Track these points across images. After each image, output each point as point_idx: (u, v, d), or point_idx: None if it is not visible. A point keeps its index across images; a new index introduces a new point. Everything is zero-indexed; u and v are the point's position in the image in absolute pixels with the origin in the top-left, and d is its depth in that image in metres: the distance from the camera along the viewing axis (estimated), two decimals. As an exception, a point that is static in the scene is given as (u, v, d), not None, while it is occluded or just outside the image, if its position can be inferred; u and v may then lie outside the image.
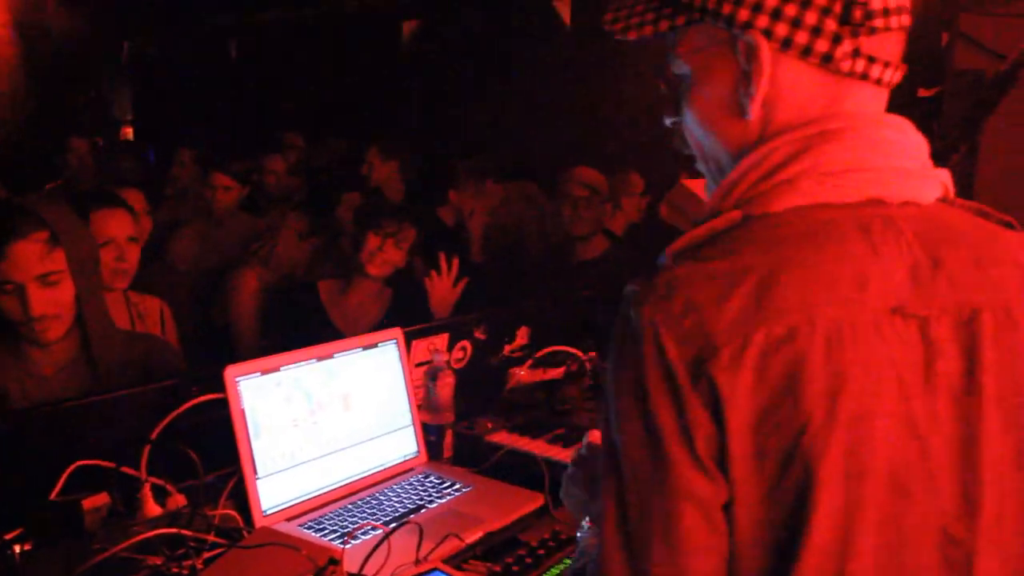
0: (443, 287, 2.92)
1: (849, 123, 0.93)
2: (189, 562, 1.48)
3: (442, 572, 1.51)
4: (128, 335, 2.15)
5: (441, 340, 2.32)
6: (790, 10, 0.90)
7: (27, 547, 1.46)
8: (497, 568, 1.55)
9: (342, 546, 1.59)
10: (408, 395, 2.04)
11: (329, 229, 3.64)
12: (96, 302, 1.97)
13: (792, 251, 0.88)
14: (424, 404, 2.10)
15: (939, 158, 2.76)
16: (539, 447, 2.07)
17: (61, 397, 1.90)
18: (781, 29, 0.91)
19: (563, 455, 2.03)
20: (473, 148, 4.69)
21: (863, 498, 0.85)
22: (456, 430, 2.13)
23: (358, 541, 1.61)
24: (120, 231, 2.42)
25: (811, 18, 0.90)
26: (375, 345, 2.00)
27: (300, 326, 2.84)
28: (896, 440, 0.86)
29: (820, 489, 0.83)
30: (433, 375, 2.10)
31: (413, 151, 4.60)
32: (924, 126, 2.78)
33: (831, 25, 0.90)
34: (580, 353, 2.48)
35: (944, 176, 0.99)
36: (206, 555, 1.52)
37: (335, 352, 1.91)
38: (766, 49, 0.92)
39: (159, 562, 1.49)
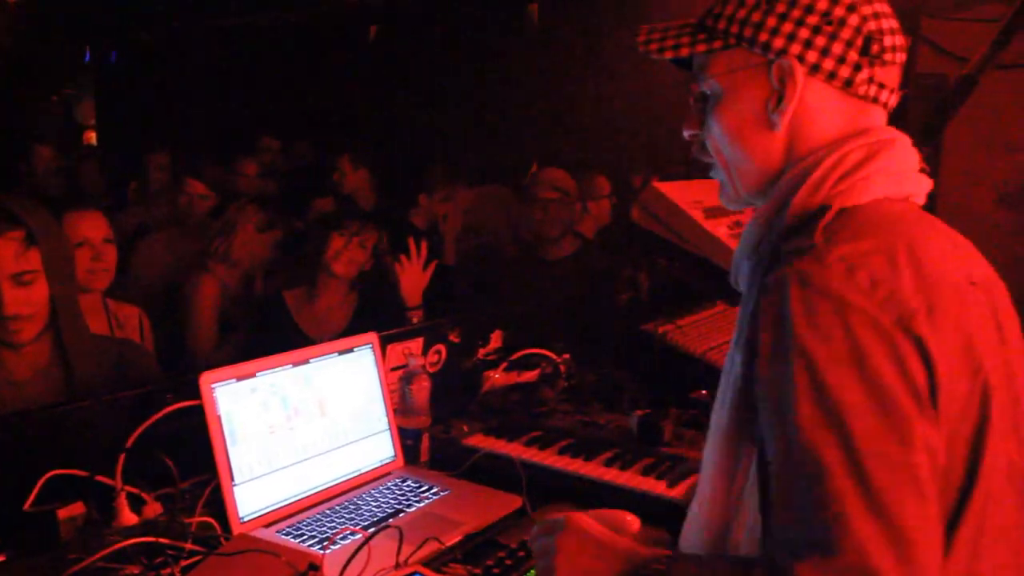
0: (414, 271, 2.94)
1: (896, 135, 1.15)
2: (168, 570, 1.47)
3: (422, 575, 1.51)
4: (102, 339, 2.14)
5: (416, 344, 2.32)
6: (820, 41, 1.10)
7: (1, 559, 1.44)
8: (477, 571, 1.55)
9: (322, 552, 1.59)
10: (384, 399, 2.04)
11: (289, 225, 3.60)
12: (70, 304, 1.95)
13: (905, 232, 1.06)
14: (400, 408, 2.10)
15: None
16: (516, 449, 2.08)
17: (35, 403, 1.88)
18: (812, 56, 1.10)
19: (539, 457, 2.04)
20: (444, 151, 4.69)
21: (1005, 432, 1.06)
22: (432, 434, 2.13)
23: (337, 546, 1.60)
24: (94, 232, 2.40)
25: (837, 48, 1.10)
26: (351, 350, 1.99)
27: (269, 335, 2.83)
28: (1001, 384, 1.07)
29: (991, 426, 1.03)
30: (409, 379, 2.10)
31: (384, 156, 4.60)
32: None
33: (853, 56, 1.10)
34: (554, 355, 2.49)
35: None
36: (183, 563, 1.52)
37: (311, 357, 1.90)
38: (799, 71, 1.11)
39: (137, 571, 1.48)
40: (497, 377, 2.45)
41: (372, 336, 2.05)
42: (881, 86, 1.12)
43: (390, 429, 2.04)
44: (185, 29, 7.26)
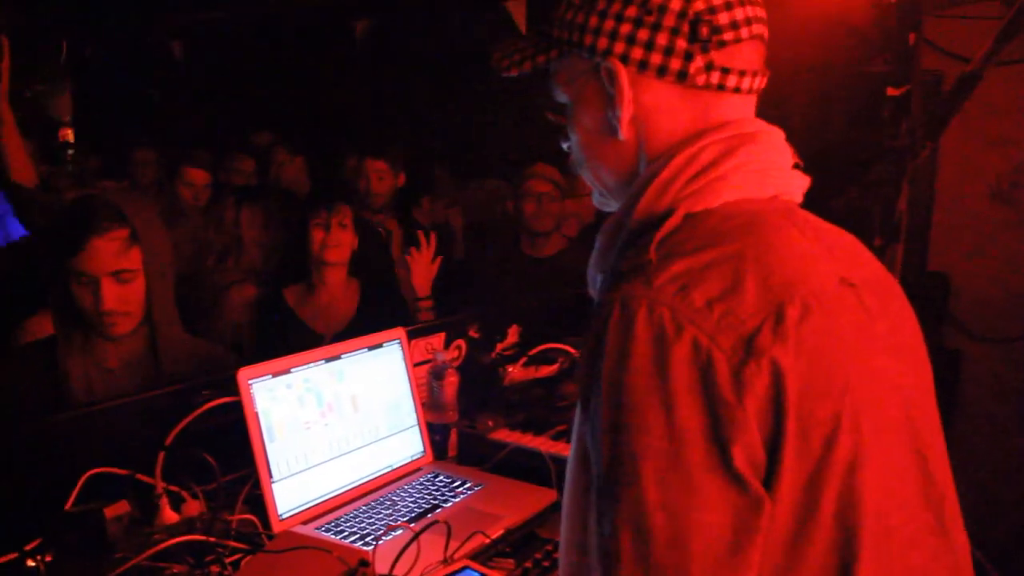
0: (423, 262, 2.99)
1: (761, 128, 1.03)
2: (217, 569, 1.45)
3: (473, 570, 1.51)
4: (194, 341, 2.15)
5: (438, 339, 2.31)
6: (642, 35, 0.98)
7: (47, 558, 1.42)
8: (528, 563, 1.55)
9: (367, 547, 1.58)
10: (413, 395, 2.03)
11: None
12: (166, 303, 2.01)
13: (757, 237, 0.94)
14: (428, 403, 2.09)
15: (908, 155, 2.84)
16: (544, 444, 2.08)
17: (123, 391, 1.94)
18: (636, 53, 0.99)
19: (567, 451, 2.05)
20: (446, 149, 4.67)
21: (881, 450, 0.91)
22: (459, 429, 2.13)
23: (379, 542, 1.60)
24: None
25: (662, 39, 0.98)
26: (380, 345, 1.99)
27: (276, 335, 2.81)
28: (879, 395, 0.94)
29: (867, 450, 0.88)
30: (437, 374, 2.09)
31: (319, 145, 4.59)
32: (894, 124, 2.87)
33: (681, 44, 0.98)
34: (572, 350, 2.50)
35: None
36: (228, 561, 1.50)
37: (342, 352, 1.89)
38: (623, 73, 1.00)
39: (183, 570, 1.47)
40: (515, 372, 2.46)
41: (400, 331, 2.04)
42: (725, 70, 0.99)
43: (419, 424, 2.03)
44: (166, 24, 7.17)
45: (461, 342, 2.39)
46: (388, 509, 1.79)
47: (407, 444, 2.00)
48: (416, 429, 2.03)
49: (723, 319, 0.85)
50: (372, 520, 1.74)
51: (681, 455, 0.82)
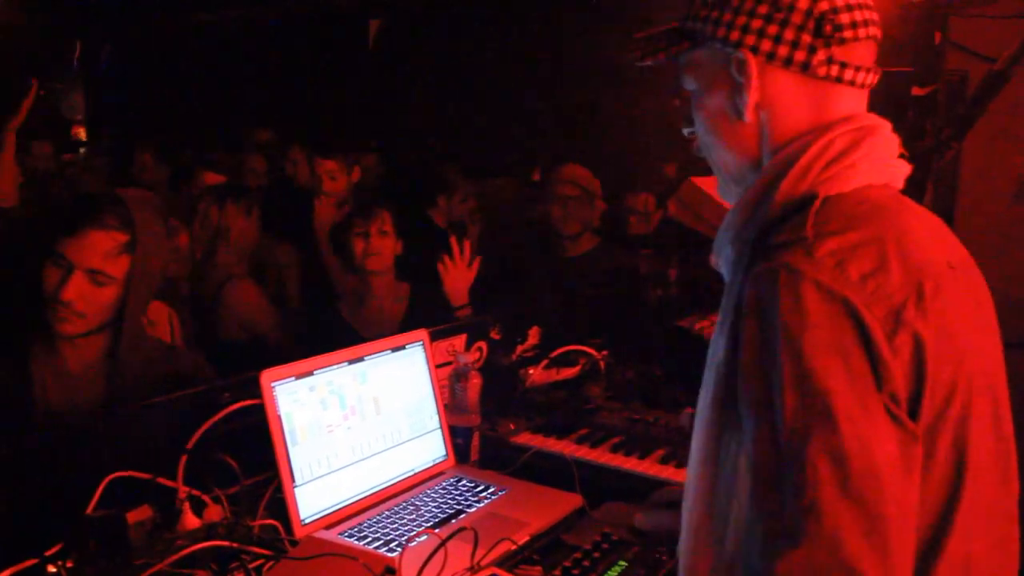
0: (458, 271, 2.90)
1: (878, 121, 1.16)
2: (241, 575, 1.43)
3: (500, 577, 1.48)
4: (157, 346, 2.08)
5: (459, 341, 2.29)
6: (772, 29, 1.12)
7: (69, 564, 1.40)
8: (556, 572, 1.52)
9: (391, 554, 1.55)
10: (435, 397, 2.00)
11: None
12: (135, 316, 1.93)
13: (890, 222, 1.08)
14: (451, 406, 2.06)
15: (934, 155, 2.79)
16: (567, 447, 2.06)
17: (81, 398, 1.87)
18: (765, 45, 1.12)
19: (592, 455, 2.02)
20: (457, 148, 4.64)
21: (978, 410, 1.08)
22: (481, 432, 2.09)
23: (402, 549, 1.57)
24: None
25: (789, 34, 1.11)
26: (403, 347, 1.96)
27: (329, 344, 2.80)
28: (981, 371, 1.10)
29: (971, 410, 1.05)
30: (459, 377, 2.06)
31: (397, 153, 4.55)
32: (919, 124, 2.82)
33: (806, 39, 1.11)
34: (594, 352, 2.47)
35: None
36: (251, 566, 1.47)
37: (365, 355, 1.86)
38: (753, 62, 1.13)
39: (206, 575, 1.44)
40: (535, 374, 2.42)
41: (423, 333, 2.02)
42: (843, 65, 1.12)
43: (441, 428, 2.00)
44: (180, 23, 7.16)
45: (482, 344, 2.37)
46: (411, 514, 1.76)
47: (429, 447, 1.97)
48: (438, 432, 2.00)
49: (875, 292, 0.99)
50: (396, 525, 1.71)
51: (861, 397, 0.96)
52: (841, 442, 0.94)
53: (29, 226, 2.97)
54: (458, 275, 2.88)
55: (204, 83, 7.32)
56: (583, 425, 2.18)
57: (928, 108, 2.79)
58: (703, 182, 2.57)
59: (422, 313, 2.80)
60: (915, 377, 0.99)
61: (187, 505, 1.57)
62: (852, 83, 1.14)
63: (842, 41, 1.11)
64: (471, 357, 2.15)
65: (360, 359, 1.85)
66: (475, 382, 2.07)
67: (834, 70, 1.12)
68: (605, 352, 2.47)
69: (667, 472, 1.92)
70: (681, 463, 1.96)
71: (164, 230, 2.01)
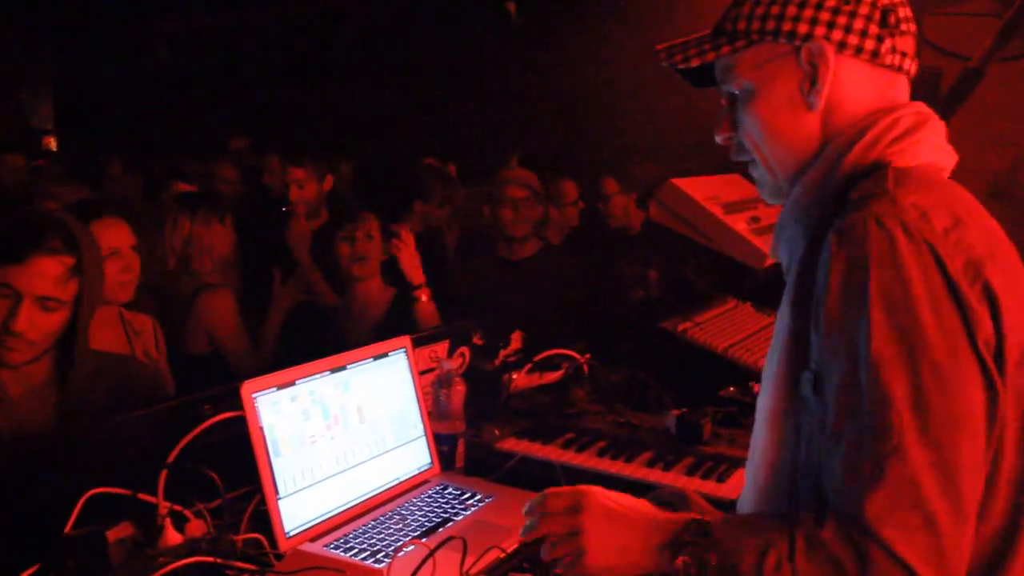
0: (409, 250, 2.90)
1: (931, 110, 1.21)
2: (226, 591, 1.40)
3: (490, 586, 1.46)
4: (102, 356, 2.01)
5: (442, 347, 2.26)
6: (841, 20, 1.15)
7: (47, 585, 1.36)
8: (547, 579, 1.50)
9: (378, 565, 1.53)
10: (419, 405, 1.98)
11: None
12: (82, 330, 1.86)
13: (960, 194, 1.13)
14: (435, 413, 2.04)
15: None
16: (553, 452, 2.04)
17: (27, 421, 1.81)
18: (837, 34, 1.16)
19: (578, 460, 2.00)
20: (432, 152, 4.62)
21: None
22: (466, 438, 2.07)
23: (389, 560, 1.55)
24: (123, 240, 2.32)
25: (859, 24, 1.15)
26: (386, 354, 1.93)
27: (317, 347, 2.78)
28: None
29: None
30: (443, 383, 2.04)
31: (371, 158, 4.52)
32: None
33: (874, 28, 1.16)
34: (577, 356, 2.45)
35: None
36: (236, 582, 1.45)
37: (347, 363, 1.84)
38: (830, 50, 1.16)
39: (190, 593, 1.41)
40: (519, 379, 2.41)
41: (405, 340, 1.99)
42: (904, 55, 1.18)
43: (426, 435, 1.98)
44: (151, 31, 7.09)
45: (464, 349, 2.34)
46: (398, 524, 1.73)
47: (414, 455, 1.94)
48: (423, 440, 1.97)
49: (957, 244, 1.02)
50: (382, 535, 1.68)
51: (950, 345, 0.98)
52: (924, 388, 0.97)
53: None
54: (410, 254, 2.88)
55: (175, 91, 7.24)
56: (568, 429, 2.16)
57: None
58: (684, 183, 2.56)
59: (398, 320, 2.80)
60: (995, 334, 1.02)
61: (168, 521, 1.53)
62: (908, 72, 1.20)
63: (902, 32, 1.17)
64: (454, 363, 2.13)
65: (342, 367, 1.82)
66: (459, 388, 2.05)
67: (897, 59, 1.17)
68: (588, 356, 2.46)
69: (654, 475, 1.91)
70: (668, 466, 1.95)
71: (98, 249, 1.93)
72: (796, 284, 1.14)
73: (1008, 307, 1.03)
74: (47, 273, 1.74)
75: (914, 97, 1.23)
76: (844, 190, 1.13)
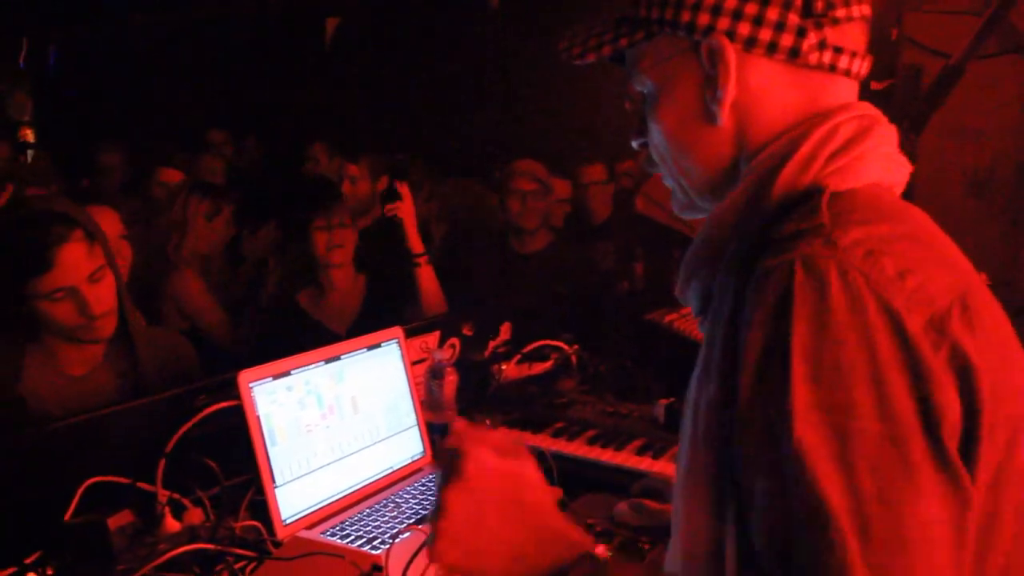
0: (410, 211, 2.91)
1: (878, 111, 0.95)
2: (226, 577, 1.41)
3: (486, 571, 1.48)
4: (152, 330, 2.10)
5: (432, 338, 2.29)
6: (751, 8, 0.90)
7: (49, 572, 1.37)
8: (542, 564, 1.53)
9: (376, 551, 1.55)
10: (412, 394, 2.00)
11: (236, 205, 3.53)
12: (126, 294, 1.96)
13: (920, 220, 0.90)
14: (427, 403, 2.06)
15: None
16: (543, 441, 2.07)
17: (90, 398, 1.89)
18: (744, 28, 0.90)
19: (569, 448, 2.03)
20: (420, 145, 4.62)
21: None
22: (458, 428, 2.09)
23: (387, 546, 1.57)
24: (112, 228, 2.34)
25: (773, 14, 0.90)
26: (378, 345, 1.95)
27: (292, 339, 2.79)
28: None
29: None
30: (435, 373, 2.07)
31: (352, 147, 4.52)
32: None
33: (794, 19, 0.90)
34: (565, 347, 2.48)
35: None
36: (236, 567, 1.46)
37: (341, 353, 1.86)
38: (730, 50, 0.91)
39: (190, 579, 1.43)
40: (508, 369, 2.43)
41: (398, 331, 2.01)
42: (838, 50, 0.92)
43: (419, 424, 2.00)
44: (129, 21, 7.03)
45: (455, 340, 2.37)
46: (392, 511, 1.76)
47: (407, 444, 1.97)
48: (416, 429, 2.00)
49: (915, 294, 0.77)
50: (377, 523, 1.70)
51: (897, 438, 0.73)
52: (861, 497, 0.72)
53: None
54: (411, 216, 2.89)
55: (157, 81, 7.19)
56: (558, 419, 2.19)
57: (885, 102, 2.85)
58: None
59: (379, 305, 2.82)
60: (966, 412, 0.76)
61: (167, 509, 1.55)
62: (847, 72, 0.93)
63: (835, 21, 0.90)
64: (445, 354, 2.15)
65: (336, 358, 1.84)
66: (451, 379, 2.07)
67: (827, 56, 0.91)
68: (576, 346, 2.49)
69: (644, 463, 1.94)
70: (657, 454, 1.98)
71: (87, 210, 1.98)
72: (718, 342, 0.85)
73: (984, 372, 0.77)
74: (78, 256, 1.82)
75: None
76: (770, 226, 0.87)
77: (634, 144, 1.07)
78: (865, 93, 1.05)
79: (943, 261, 0.84)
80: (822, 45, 0.91)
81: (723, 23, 0.91)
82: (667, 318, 2.58)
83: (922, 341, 0.75)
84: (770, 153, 0.92)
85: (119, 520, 1.46)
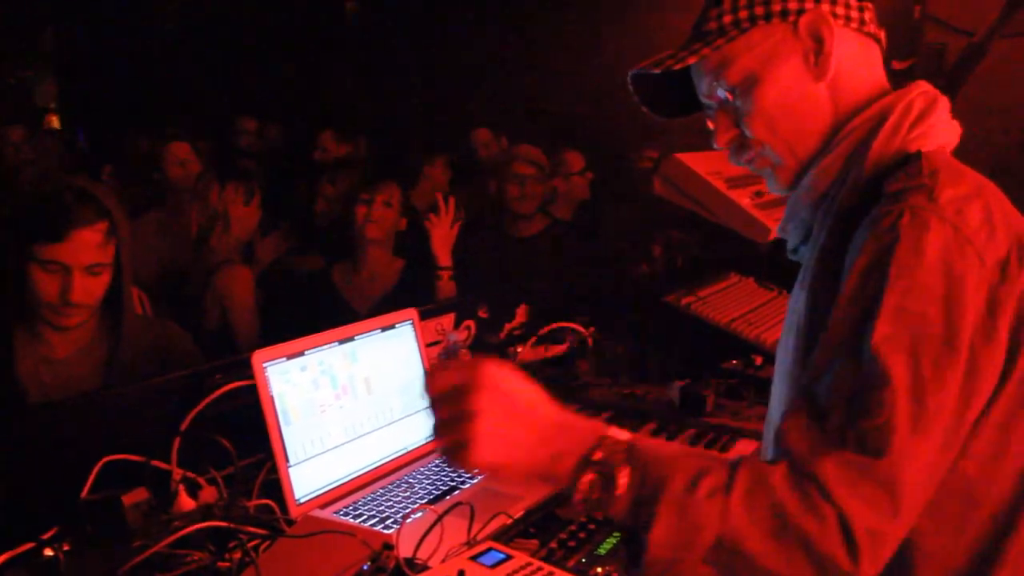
0: (443, 227, 2.95)
1: (935, 88, 1.20)
2: (239, 555, 1.43)
3: (497, 551, 1.49)
4: (144, 319, 2.11)
5: (447, 320, 2.29)
6: None
7: (66, 547, 1.39)
8: (553, 545, 1.53)
9: (387, 531, 1.56)
10: (426, 376, 2.00)
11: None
12: (126, 291, 1.99)
13: (982, 179, 1.11)
14: (441, 385, 2.07)
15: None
16: (558, 423, 2.06)
17: (74, 382, 1.90)
18: (826, 5, 1.17)
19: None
20: (432, 133, 4.63)
21: None
22: (472, 410, 2.10)
23: (398, 525, 1.58)
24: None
25: None
26: (392, 326, 1.96)
27: (314, 312, 2.80)
28: None
29: None
30: (450, 355, 2.07)
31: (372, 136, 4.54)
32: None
33: None
34: (582, 329, 2.48)
35: None
36: (250, 545, 1.48)
37: (355, 334, 1.86)
38: (828, 16, 1.16)
39: (204, 556, 1.44)
40: (524, 352, 2.43)
41: (412, 312, 2.02)
42: (879, 25, 1.20)
43: (432, 406, 2.01)
44: (153, 7, 7.07)
45: (470, 322, 2.37)
46: (405, 492, 1.77)
47: (420, 426, 1.97)
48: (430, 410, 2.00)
49: (988, 242, 1.01)
50: (390, 503, 1.72)
51: (952, 344, 0.97)
52: (924, 385, 0.95)
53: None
54: (443, 232, 2.93)
55: (183, 68, 7.23)
56: (574, 401, 2.19)
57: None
58: (687, 158, 2.57)
59: (409, 294, 2.81)
60: (1011, 331, 1.01)
61: (182, 487, 1.56)
62: (881, 41, 1.21)
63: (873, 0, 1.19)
64: (460, 336, 2.16)
65: (350, 339, 1.85)
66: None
67: (874, 27, 1.19)
68: (592, 328, 2.48)
69: (658, 445, 1.94)
70: (671, 436, 1.98)
71: (126, 210, 2.07)
72: (816, 272, 1.14)
73: None
74: (89, 243, 1.85)
75: (916, 74, 1.24)
76: (874, 181, 1.12)
77: (719, 144, 1.27)
78: (888, 72, 1.24)
79: (1004, 216, 1.06)
80: (871, 19, 1.19)
81: (810, 3, 1.17)
82: (684, 300, 2.57)
83: (993, 276, 1.01)
84: (863, 119, 1.16)
85: (134, 497, 1.47)
